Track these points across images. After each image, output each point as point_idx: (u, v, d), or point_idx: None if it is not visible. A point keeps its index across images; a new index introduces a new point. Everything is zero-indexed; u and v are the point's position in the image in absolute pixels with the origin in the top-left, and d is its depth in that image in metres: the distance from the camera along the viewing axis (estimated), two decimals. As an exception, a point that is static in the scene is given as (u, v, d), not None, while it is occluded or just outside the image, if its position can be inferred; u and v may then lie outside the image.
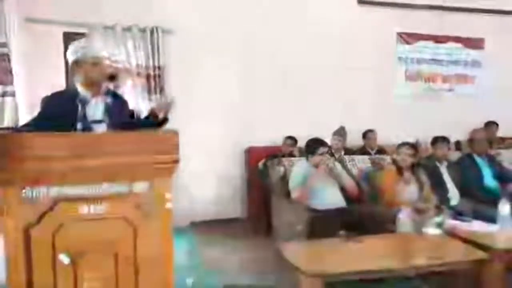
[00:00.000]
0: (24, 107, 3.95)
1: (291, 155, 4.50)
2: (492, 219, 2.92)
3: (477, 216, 3.12)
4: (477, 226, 2.92)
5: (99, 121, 2.14)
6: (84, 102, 2.13)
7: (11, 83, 3.95)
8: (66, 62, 4.19)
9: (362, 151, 4.77)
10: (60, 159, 1.43)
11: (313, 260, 2.42)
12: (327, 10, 5.14)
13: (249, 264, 3.49)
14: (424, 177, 3.56)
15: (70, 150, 1.45)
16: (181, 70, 4.72)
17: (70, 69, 2.20)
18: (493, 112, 5.40)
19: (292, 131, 4.78)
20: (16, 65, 3.96)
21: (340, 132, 4.52)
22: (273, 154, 4.48)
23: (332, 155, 4.01)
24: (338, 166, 3.60)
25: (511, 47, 5.76)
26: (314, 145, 3.49)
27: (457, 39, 5.79)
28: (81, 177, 1.47)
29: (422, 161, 3.87)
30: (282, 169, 3.83)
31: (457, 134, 5.14)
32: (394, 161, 3.65)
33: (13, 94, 3.96)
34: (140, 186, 1.53)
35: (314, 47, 5.07)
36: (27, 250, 1.41)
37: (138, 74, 4.56)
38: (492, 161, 4.03)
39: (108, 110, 2.17)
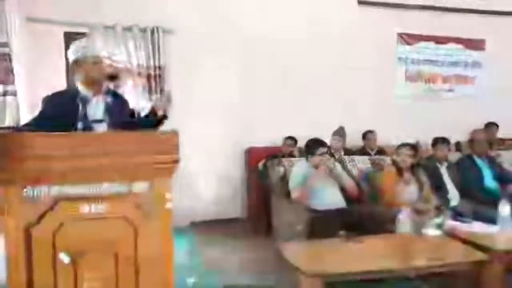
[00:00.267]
0: (25, 107, 3.95)
1: (291, 155, 4.50)
2: (492, 220, 2.92)
3: (477, 217, 3.12)
4: (477, 227, 2.92)
5: (100, 121, 2.14)
6: (85, 102, 2.13)
7: (12, 82, 3.95)
8: (67, 62, 4.20)
9: (362, 151, 4.77)
10: (60, 158, 1.44)
11: (313, 260, 2.43)
12: (327, 11, 5.14)
13: (249, 264, 3.49)
14: (424, 178, 3.57)
15: (70, 150, 1.46)
16: (182, 70, 4.72)
17: (71, 69, 2.21)
18: (493, 113, 5.41)
19: (292, 131, 4.78)
20: (17, 65, 3.96)
21: (340, 132, 4.53)
22: (273, 154, 4.48)
23: (332, 155, 4.01)
24: (338, 166, 3.60)
25: (511, 48, 5.76)
26: (314, 145, 3.49)
27: (457, 40, 5.78)
28: (81, 177, 1.48)
29: (422, 162, 3.88)
30: (282, 169, 3.83)
31: (457, 135, 5.14)
32: (394, 162, 3.65)
33: (14, 94, 3.97)
34: (140, 186, 1.54)
35: (314, 48, 5.07)
36: (28, 249, 1.41)
37: (139, 74, 4.57)
38: (492, 162, 4.03)
39: (108, 109, 2.17)
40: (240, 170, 5.07)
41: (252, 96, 4.93)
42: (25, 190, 1.42)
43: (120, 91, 3.60)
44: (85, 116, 2.11)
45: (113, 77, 2.22)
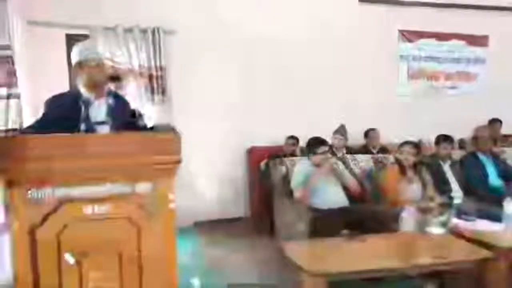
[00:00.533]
0: (28, 109, 3.97)
1: (293, 154, 4.50)
2: (496, 218, 2.91)
3: (482, 214, 3.11)
4: (481, 225, 2.91)
5: (102, 123, 2.15)
6: (87, 104, 2.14)
7: (15, 85, 3.97)
8: (69, 64, 4.24)
9: (365, 150, 4.77)
10: (64, 160, 1.45)
11: (315, 260, 2.42)
12: (328, 9, 5.12)
13: (252, 264, 3.50)
14: (427, 176, 3.56)
15: (73, 151, 1.47)
16: (183, 70, 4.73)
17: (73, 71, 2.21)
18: (497, 109, 5.39)
19: (294, 130, 4.78)
20: (19, 67, 3.98)
21: (341, 131, 4.52)
22: (275, 154, 4.48)
23: (333, 154, 4.01)
24: (341, 165, 3.60)
25: (515, 44, 5.73)
26: (315, 144, 3.49)
27: (460, 37, 5.75)
28: (85, 178, 1.49)
29: (425, 160, 3.86)
30: (284, 168, 3.83)
31: (461, 132, 5.12)
32: (397, 160, 3.64)
33: (17, 97, 3.98)
34: (143, 187, 1.55)
35: (315, 46, 5.06)
36: (33, 250, 1.43)
37: (140, 74, 4.58)
38: (497, 159, 4.01)
39: (110, 111, 2.18)
40: (242, 169, 5.07)
41: (253, 95, 4.93)
42: (29, 192, 1.43)
43: (121, 92, 3.61)
44: (87, 118, 2.11)
45: (115, 79, 2.23)
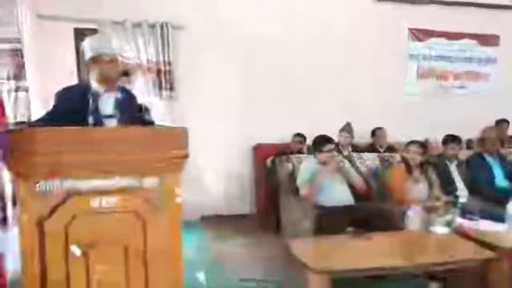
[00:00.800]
0: (37, 102, 4.01)
1: (299, 152, 4.50)
2: (500, 218, 2.90)
3: (486, 215, 3.09)
4: (486, 225, 2.90)
5: (110, 116, 2.16)
6: (96, 97, 2.15)
7: (24, 78, 4.01)
8: (78, 58, 4.28)
9: (371, 149, 4.76)
10: (72, 153, 1.46)
11: (320, 257, 2.43)
12: (337, 7, 5.10)
13: (258, 260, 3.51)
14: (433, 176, 3.55)
15: (82, 145, 1.48)
16: (191, 66, 4.74)
17: (85, 65, 2.21)
18: (506, 110, 5.34)
19: (300, 128, 4.77)
20: (28, 61, 4.01)
21: (347, 129, 4.52)
22: (282, 151, 4.48)
23: (339, 152, 4.01)
24: (347, 163, 3.60)
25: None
26: (321, 142, 3.49)
27: (471, 36, 5.68)
28: (92, 171, 1.50)
29: (431, 160, 3.85)
30: (290, 166, 3.83)
31: (469, 132, 5.08)
32: (403, 159, 3.64)
33: (26, 90, 4.02)
34: (150, 181, 1.56)
35: (323, 45, 5.04)
36: (41, 242, 1.44)
37: (148, 69, 4.59)
38: (504, 160, 3.99)
39: (118, 105, 2.19)
40: (249, 166, 5.08)
41: (260, 92, 4.93)
42: (38, 184, 1.45)
43: (130, 87, 3.63)
44: (96, 111, 2.13)
45: (125, 74, 2.24)
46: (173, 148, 1.56)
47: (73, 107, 2.08)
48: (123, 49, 4.48)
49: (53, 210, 1.45)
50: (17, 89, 4.02)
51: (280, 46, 4.93)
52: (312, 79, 5.05)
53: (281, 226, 3.88)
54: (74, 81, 4.10)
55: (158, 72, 4.61)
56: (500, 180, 3.84)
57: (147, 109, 2.32)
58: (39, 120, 2.20)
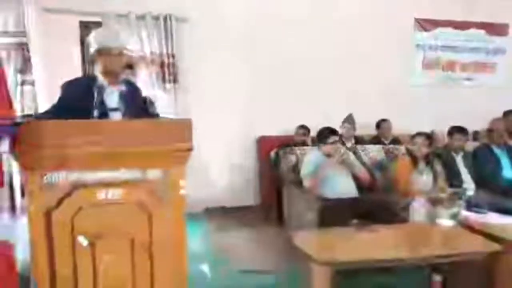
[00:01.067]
0: (42, 95, 4.03)
1: (303, 144, 4.49)
2: (507, 211, 2.88)
3: (493, 207, 3.08)
4: (492, 218, 2.89)
5: (115, 109, 2.17)
6: (101, 89, 2.16)
7: (30, 71, 4.03)
8: (83, 50, 4.28)
9: (377, 141, 4.74)
10: (78, 146, 1.48)
11: (324, 249, 2.44)
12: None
13: (261, 251, 3.54)
14: (439, 168, 3.53)
15: (88, 137, 1.49)
16: (194, 58, 4.73)
17: (91, 57, 2.21)
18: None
19: (304, 120, 4.76)
20: (34, 54, 4.03)
21: (349, 120, 4.51)
22: (286, 143, 4.48)
23: (343, 143, 4.00)
24: (351, 155, 3.59)
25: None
26: (326, 134, 3.48)
27: (479, 25, 5.58)
28: (98, 163, 1.52)
29: (437, 151, 3.83)
30: (294, 158, 3.84)
31: (476, 124, 5.04)
32: (409, 151, 3.62)
33: (32, 83, 4.05)
34: (155, 173, 1.58)
35: (329, 35, 5.01)
36: (48, 232, 1.47)
37: (152, 62, 4.59)
38: (509, 149, 3.94)
39: (122, 98, 2.20)
40: (252, 158, 5.09)
41: (264, 84, 4.91)
42: (45, 177, 1.47)
43: (134, 79, 3.63)
44: (101, 103, 2.14)
45: (130, 66, 2.24)
46: (177, 141, 1.57)
47: (78, 100, 2.09)
48: (127, 42, 4.48)
49: (60, 202, 1.47)
50: (23, 83, 4.05)
51: (284, 38, 4.90)
52: (317, 71, 5.02)
53: (285, 218, 3.90)
54: (79, 74, 4.12)
55: (162, 64, 4.61)
56: (508, 172, 3.80)
57: (151, 102, 2.32)
58: (45, 112, 2.22)
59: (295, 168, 3.74)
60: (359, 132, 4.70)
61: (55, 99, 2.21)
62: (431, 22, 5.48)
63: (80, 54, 4.29)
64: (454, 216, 2.78)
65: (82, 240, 1.47)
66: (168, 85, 4.62)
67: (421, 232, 2.75)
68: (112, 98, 2.18)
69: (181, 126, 1.61)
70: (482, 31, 5.61)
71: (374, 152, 4.04)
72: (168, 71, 4.62)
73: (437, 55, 5.57)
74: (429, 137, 3.67)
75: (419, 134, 3.60)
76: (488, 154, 3.88)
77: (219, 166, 4.90)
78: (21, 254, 1.72)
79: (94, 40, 2.18)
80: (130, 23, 4.50)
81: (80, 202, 1.49)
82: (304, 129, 4.72)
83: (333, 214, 2.98)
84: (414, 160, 3.51)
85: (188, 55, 4.73)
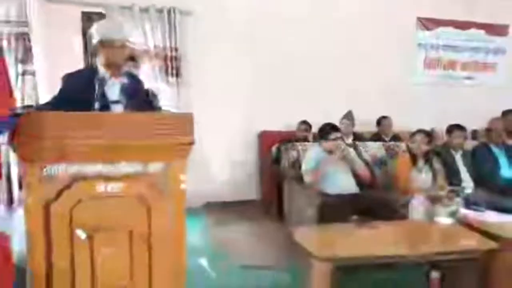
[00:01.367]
0: (43, 86, 4.02)
1: (305, 140, 4.49)
2: (505, 209, 2.89)
3: (491, 206, 3.10)
4: (490, 216, 2.90)
5: (116, 101, 2.17)
6: (102, 82, 2.15)
7: (31, 62, 4.02)
8: (85, 41, 4.27)
9: (377, 138, 4.74)
10: (78, 138, 1.47)
11: (324, 245, 2.45)
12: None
13: (261, 247, 3.55)
14: (438, 166, 3.54)
15: (88, 130, 1.49)
16: (198, 52, 4.71)
17: (93, 48, 2.20)
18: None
19: (306, 116, 4.76)
20: (35, 44, 4.02)
21: (348, 116, 4.51)
22: (287, 139, 4.48)
23: (342, 140, 4.00)
24: (352, 152, 3.60)
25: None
26: (327, 130, 3.49)
27: (479, 25, 5.60)
28: (98, 156, 1.51)
29: (437, 149, 3.84)
30: (295, 153, 3.84)
31: (475, 123, 5.04)
32: (408, 149, 3.63)
33: (32, 73, 4.04)
34: (155, 166, 1.57)
35: (331, 32, 5.00)
36: (47, 225, 1.47)
37: (155, 55, 4.58)
38: (510, 151, 3.95)
39: (124, 90, 2.19)
40: (254, 153, 5.09)
41: (266, 79, 4.90)
42: (45, 169, 1.46)
43: (137, 72, 3.62)
44: (102, 96, 2.13)
45: (132, 59, 2.23)
46: (178, 134, 1.57)
47: (79, 92, 2.08)
48: (130, 34, 4.46)
49: (59, 194, 1.47)
50: (24, 73, 4.04)
51: (287, 34, 4.88)
52: (319, 67, 5.01)
53: (285, 214, 3.90)
54: (80, 65, 4.10)
55: (165, 57, 4.59)
56: (505, 171, 3.81)
57: (154, 95, 2.32)
58: (46, 104, 2.21)
59: (296, 164, 3.74)
60: (360, 129, 4.71)
61: (56, 90, 2.21)
62: (433, 22, 5.48)
63: (82, 45, 4.27)
64: (452, 214, 2.79)
65: (81, 233, 1.47)
66: (170, 79, 4.61)
67: (420, 230, 2.76)
68: (113, 90, 2.17)
69: (183, 119, 1.61)
70: (483, 31, 5.64)
71: (375, 149, 4.04)
72: (171, 64, 4.60)
73: (438, 54, 5.59)
74: (429, 135, 3.67)
75: (419, 131, 3.60)
76: (486, 153, 3.88)
77: (220, 161, 4.90)
78: (18, 246, 1.72)
79: (96, 31, 2.17)
80: (133, 15, 4.48)
81: (79, 194, 1.49)
82: (306, 125, 4.72)
83: (333, 210, 2.99)
84: (414, 158, 3.51)
85: (191, 49, 4.71)
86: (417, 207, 2.88)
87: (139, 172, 1.56)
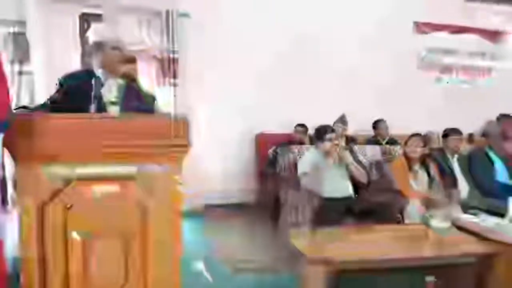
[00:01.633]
0: (41, 86, 4.01)
1: (301, 142, 4.50)
2: (500, 214, 2.90)
3: (487, 210, 3.10)
4: (486, 220, 2.90)
5: (113, 103, 2.17)
6: (99, 83, 2.15)
7: (28, 62, 4.01)
8: (83, 42, 4.26)
9: (373, 141, 4.75)
10: (74, 139, 1.47)
11: (319, 248, 2.44)
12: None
13: (258, 249, 3.54)
14: (433, 169, 3.55)
15: (83, 131, 1.49)
16: (195, 54, 4.71)
17: (90, 50, 2.21)
18: (509, 105, 5.30)
19: (303, 119, 4.77)
20: (33, 44, 4.01)
21: (341, 120, 4.53)
22: (284, 141, 4.48)
23: (337, 142, 4.01)
24: (348, 155, 3.60)
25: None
26: (323, 131, 3.50)
27: (476, 31, 5.65)
28: (94, 158, 1.51)
29: (432, 153, 3.84)
30: (292, 156, 3.84)
31: (471, 126, 5.07)
32: (404, 153, 3.63)
33: (30, 73, 4.03)
34: (151, 169, 1.57)
35: (327, 34, 5.01)
36: (40, 227, 1.46)
37: (153, 57, 4.57)
38: (506, 155, 3.96)
39: (121, 92, 2.19)
40: (251, 155, 5.10)
41: (264, 81, 4.91)
42: (40, 169, 1.45)
43: (134, 74, 3.61)
44: (98, 98, 2.13)
45: (130, 61, 2.24)
46: (174, 136, 1.57)
47: (76, 93, 2.08)
48: (128, 36, 4.46)
49: (53, 196, 1.46)
50: (21, 73, 4.03)
51: (284, 36, 4.89)
52: (315, 70, 5.03)
53: (282, 217, 3.90)
54: (78, 65, 4.09)
55: (162, 59, 4.59)
56: (501, 175, 3.83)
57: (151, 97, 2.32)
58: (42, 105, 2.21)
59: (293, 167, 3.74)
60: (357, 132, 4.71)
61: (52, 91, 2.20)
62: (429, 26, 5.51)
63: (79, 46, 4.26)
64: (448, 218, 2.79)
65: (75, 236, 1.47)
66: (168, 81, 4.60)
67: (415, 233, 2.76)
68: (110, 92, 2.17)
69: (179, 122, 1.61)
70: (479, 36, 5.67)
71: (371, 152, 4.04)
72: (168, 66, 4.60)
73: (435, 58, 5.61)
74: (424, 138, 3.68)
75: (414, 135, 3.61)
76: (482, 157, 3.89)
77: (217, 162, 4.90)
78: (11, 249, 1.70)
79: (94, 33, 2.18)
80: (131, 17, 4.47)
81: (73, 197, 1.48)
82: (303, 127, 4.72)
83: (329, 213, 2.99)
84: (409, 162, 3.52)
85: (189, 51, 4.71)
86: (413, 211, 2.88)
87: (134, 174, 1.55)
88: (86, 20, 4.26)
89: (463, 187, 3.69)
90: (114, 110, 2.14)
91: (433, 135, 4.90)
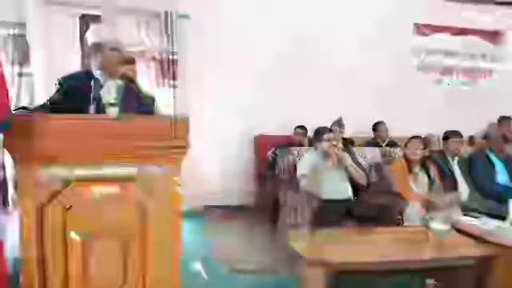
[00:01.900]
0: (41, 88, 4.01)
1: (301, 144, 4.50)
2: (501, 216, 2.89)
3: (487, 212, 3.10)
4: (486, 223, 2.89)
5: (112, 104, 2.17)
6: (98, 84, 2.15)
7: (28, 63, 4.01)
8: (82, 44, 4.27)
9: (373, 143, 4.75)
10: (73, 141, 1.47)
11: (318, 250, 2.44)
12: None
13: (256, 251, 3.53)
14: (434, 172, 3.54)
15: (83, 133, 1.49)
16: (194, 55, 4.72)
17: (89, 51, 2.22)
18: (510, 107, 5.31)
19: (303, 121, 4.76)
20: (33, 46, 4.01)
21: (338, 123, 4.53)
22: (283, 143, 4.48)
23: (335, 144, 4.01)
24: (347, 157, 3.60)
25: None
26: (321, 132, 3.51)
27: (476, 32, 5.65)
28: (93, 159, 1.51)
29: (433, 155, 3.84)
30: (291, 158, 3.84)
31: (472, 129, 5.06)
32: (404, 155, 3.63)
33: (30, 75, 4.03)
34: (150, 170, 1.57)
35: (326, 36, 5.01)
36: (40, 227, 1.46)
37: (153, 58, 4.58)
38: (507, 158, 3.96)
39: (120, 93, 2.20)
40: (250, 156, 5.09)
41: (263, 83, 4.91)
42: (39, 171, 1.45)
43: (133, 75, 3.61)
44: (98, 99, 2.13)
45: (129, 62, 2.24)
46: (174, 138, 1.57)
47: (75, 95, 2.08)
48: (127, 37, 4.47)
49: (52, 197, 1.46)
50: (21, 75, 4.03)
51: (285, 36, 4.89)
52: (315, 72, 5.02)
53: (280, 218, 3.89)
54: (77, 67, 4.10)
55: (162, 60, 4.59)
56: (502, 178, 3.82)
57: (151, 98, 2.32)
58: (42, 106, 2.21)
59: (292, 168, 3.74)
60: (357, 134, 4.70)
61: (52, 92, 2.20)
62: (430, 27, 5.51)
63: (79, 47, 4.26)
64: (448, 220, 2.79)
65: (75, 237, 1.46)
66: (167, 82, 4.61)
67: (415, 236, 2.75)
68: (109, 93, 2.17)
69: (178, 123, 1.61)
70: (479, 38, 5.67)
71: (371, 154, 4.04)
72: (168, 67, 4.60)
73: (435, 59, 5.62)
74: (424, 141, 3.68)
75: (414, 137, 3.60)
76: (483, 159, 3.89)
77: (216, 164, 4.89)
78: (11, 249, 1.70)
79: (93, 34, 2.18)
80: (130, 18, 4.48)
81: (72, 198, 1.48)
82: (302, 129, 4.72)
83: (328, 215, 2.98)
84: (409, 164, 3.51)
85: (188, 52, 4.71)
86: (413, 213, 2.88)
87: (133, 175, 1.55)
88: (85, 21, 4.26)
89: (464, 190, 3.68)
90: (113, 111, 2.14)
91: (433, 137, 4.90)
